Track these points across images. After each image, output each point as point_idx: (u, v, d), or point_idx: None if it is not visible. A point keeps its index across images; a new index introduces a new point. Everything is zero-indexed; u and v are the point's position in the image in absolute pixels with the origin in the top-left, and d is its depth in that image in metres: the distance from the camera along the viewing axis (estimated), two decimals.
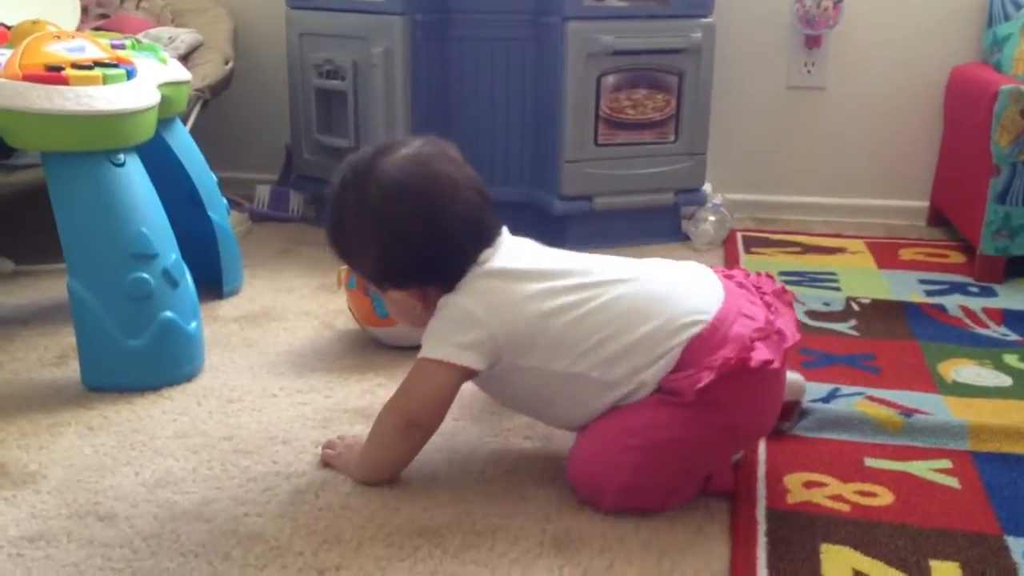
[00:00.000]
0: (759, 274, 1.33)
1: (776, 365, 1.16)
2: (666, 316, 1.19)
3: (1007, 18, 2.42)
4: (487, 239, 1.24)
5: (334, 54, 2.36)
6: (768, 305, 1.24)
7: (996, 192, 2.09)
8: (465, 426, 1.43)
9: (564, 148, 2.27)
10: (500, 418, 1.44)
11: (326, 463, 1.32)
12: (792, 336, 1.21)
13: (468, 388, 1.46)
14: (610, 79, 2.27)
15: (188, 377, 1.59)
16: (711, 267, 1.33)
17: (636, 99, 2.31)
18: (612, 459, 1.18)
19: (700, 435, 1.17)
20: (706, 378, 1.13)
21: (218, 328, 1.81)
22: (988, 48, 2.46)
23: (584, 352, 1.19)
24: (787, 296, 1.30)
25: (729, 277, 1.30)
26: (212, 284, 1.94)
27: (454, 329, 1.20)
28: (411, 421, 1.24)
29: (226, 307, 1.94)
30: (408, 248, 1.22)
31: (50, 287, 2.03)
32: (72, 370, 1.60)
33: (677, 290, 1.23)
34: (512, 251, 1.26)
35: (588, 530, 1.16)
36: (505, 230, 1.28)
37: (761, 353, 1.15)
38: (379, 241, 1.22)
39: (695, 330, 1.17)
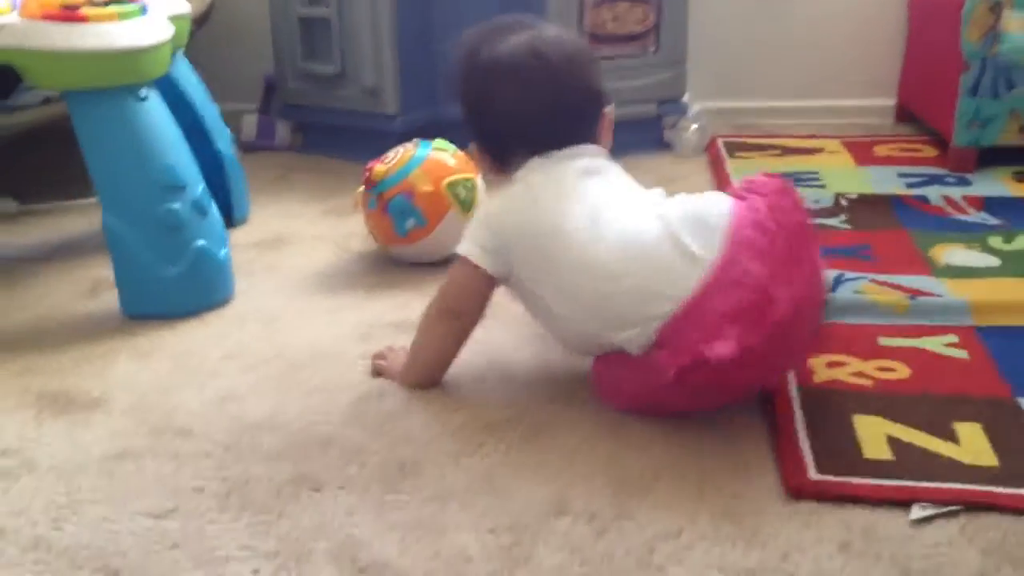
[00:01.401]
0: (789, 200, 1.19)
1: (748, 349, 1.09)
2: (642, 284, 1.17)
3: None
4: (536, 146, 1.28)
5: None
6: (786, 249, 1.14)
7: (967, 86, 2.18)
8: (499, 334, 1.50)
9: None
10: (529, 324, 1.51)
11: (378, 372, 1.39)
12: (791, 299, 1.11)
13: (504, 303, 1.55)
14: None
15: (222, 303, 1.64)
16: (744, 187, 1.24)
17: (618, 12, 2.36)
18: (615, 388, 1.26)
19: (694, 397, 1.19)
20: (671, 374, 1.12)
21: (237, 255, 1.84)
22: None
23: (568, 297, 1.23)
24: (808, 232, 1.19)
25: (754, 209, 1.18)
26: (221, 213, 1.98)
27: (481, 230, 1.29)
28: (446, 307, 1.32)
29: (239, 235, 1.98)
30: (466, 117, 1.33)
31: (57, 225, 2.06)
32: (106, 301, 1.65)
33: (669, 249, 1.17)
34: (555, 170, 1.27)
35: (638, 416, 1.25)
36: (583, 148, 1.28)
37: (722, 347, 1.09)
38: (457, 101, 1.33)
39: (668, 308, 1.14)
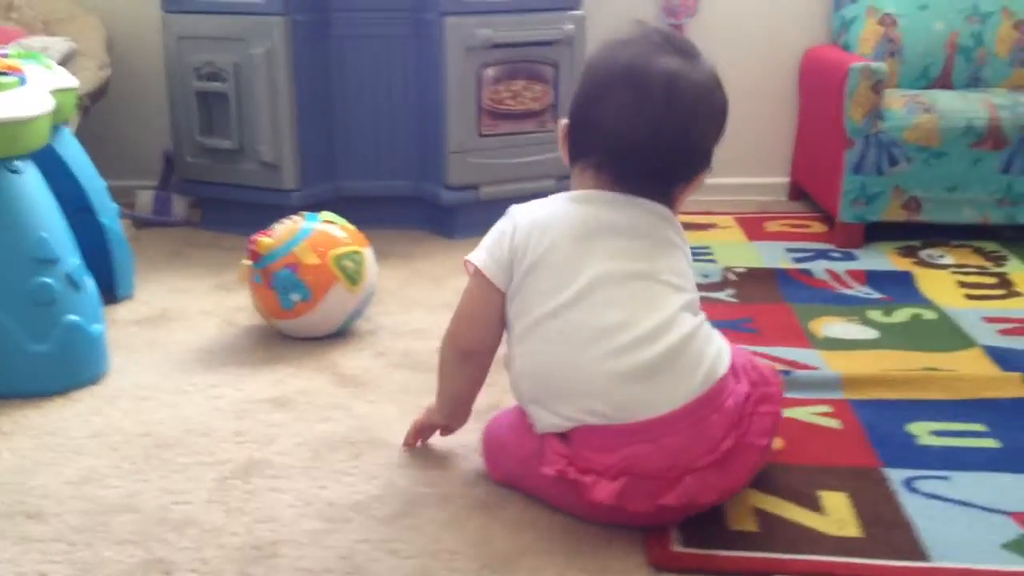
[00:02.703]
0: (768, 420, 1.15)
1: (623, 507, 1.09)
2: (586, 389, 1.12)
3: (853, 0, 2.59)
4: (607, 167, 1.18)
5: (214, 56, 2.37)
6: (727, 455, 1.10)
7: (852, 163, 2.25)
8: (382, 407, 1.48)
9: (448, 140, 2.33)
10: (414, 397, 1.50)
11: (420, 433, 1.36)
12: (689, 496, 1.08)
13: (389, 376, 1.52)
14: (489, 71, 2.34)
15: (95, 380, 1.59)
16: (748, 367, 1.21)
17: (515, 90, 2.39)
18: (498, 461, 1.27)
19: (564, 501, 1.18)
20: (549, 473, 1.13)
21: (118, 331, 1.81)
22: (837, 30, 2.63)
23: (527, 352, 1.19)
24: (758, 460, 1.16)
25: (735, 396, 1.14)
26: (104, 290, 1.93)
27: (493, 238, 1.22)
28: (449, 331, 1.28)
29: (122, 311, 1.93)
30: (574, 94, 1.21)
31: None
32: None
33: (637, 376, 1.11)
34: (585, 211, 1.19)
35: (510, 492, 1.24)
36: (644, 203, 1.20)
37: (602, 492, 1.09)
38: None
39: (597, 420, 1.12)
